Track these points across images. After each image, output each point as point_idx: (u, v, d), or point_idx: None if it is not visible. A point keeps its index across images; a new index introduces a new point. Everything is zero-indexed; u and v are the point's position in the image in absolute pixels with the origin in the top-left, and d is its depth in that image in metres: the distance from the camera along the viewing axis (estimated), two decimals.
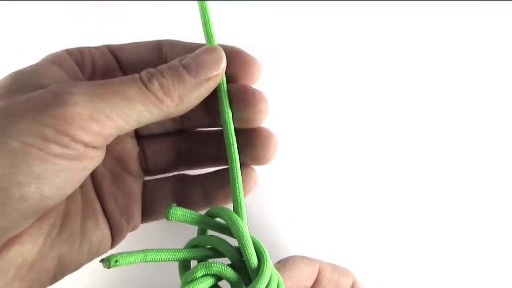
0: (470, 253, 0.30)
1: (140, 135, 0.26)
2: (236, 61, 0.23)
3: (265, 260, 0.22)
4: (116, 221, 0.24)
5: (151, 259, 0.21)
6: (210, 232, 0.23)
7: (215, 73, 0.22)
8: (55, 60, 0.23)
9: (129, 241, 0.25)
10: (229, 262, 0.22)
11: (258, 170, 0.25)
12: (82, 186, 0.23)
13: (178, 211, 0.22)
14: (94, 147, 0.20)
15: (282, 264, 0.24)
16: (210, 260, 0.22)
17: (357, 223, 0.31)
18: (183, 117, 0.24)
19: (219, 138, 0.25)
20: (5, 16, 0.35)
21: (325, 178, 0.31)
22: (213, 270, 0.21)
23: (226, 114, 0.23)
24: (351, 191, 0.31)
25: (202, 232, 0.23)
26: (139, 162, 0.26)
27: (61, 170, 0.19)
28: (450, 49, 0.33)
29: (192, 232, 0.24)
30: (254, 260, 0.22)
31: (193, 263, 0.23)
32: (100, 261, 0.20)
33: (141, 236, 0.27)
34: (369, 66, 0.33)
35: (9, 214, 0.18)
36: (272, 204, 0.31)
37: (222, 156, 0.25)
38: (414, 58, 0.33)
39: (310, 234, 0.30)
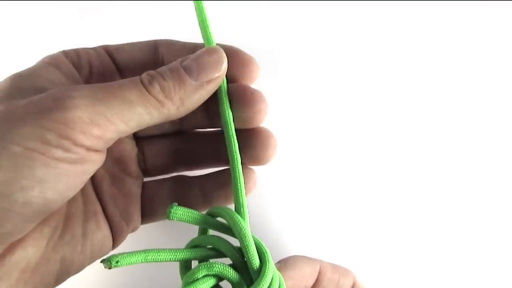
0: (470, 253, 0.30)
1: (139, 136, 0.26)
2: (234, 61, 0.23)
3: (267, 261, 0.22)
4: (116, 222, 0.24)
5: (152, 260, 0.21)
6: (211, 232, 0.23)
7: (216, 75, 0.22)
8: (52, 62, 0.23)
9: (130, 241, 0.25)
10: (230, 262, 0.22)
11: (258, 170, 0.25)
12: (82, 188, 0.23)
13: (179, 211, 0.22)
14: (95, 151, 0.20)
15: (283, 264, 0.24)
16: (211, 260, 0.22)
17: (357, 223, 0.31)
18: (182, 119, 0.24)
19: (218, 138, 0.25)
20: (2, 16, 0.35)
21: (325, 178, 0.31)
22: (215, 271, 0.21)
23: (227, 114, 0.23)
24: (351, 191, 0.31)
25: (203, 232, 0.23)
26: (138, 163, 0.26)
27: (63, 174, 0.19)
28: (449, 50, 0.33)
29: (193, 232, 0.24)
30: (256, 261, 0.22)
31: (194, 263, 0.23)
32: (101, 262, 0.20)
33: (141, 236, 0.27)
34: (368, 66, 0.33)
35: (13, 219, 0.18)
36: (272, 204, 0.31)
37: (221, 156, 0.25)
38: (413, 59, 0.33)
39: (310, 234, 0.30)
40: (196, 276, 0.21)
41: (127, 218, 0.25)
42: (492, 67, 0.33)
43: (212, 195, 0.25)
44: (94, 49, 0.25)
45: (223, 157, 0.25)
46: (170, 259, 0.22)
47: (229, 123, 0.23)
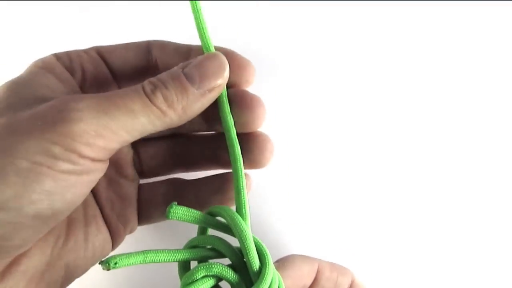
0: (469, 253, 0.30)
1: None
2: (230, 64, 0.23)
3: (267, 263, 0.21)
4: (114, 225, 0.24)
5: (150, 261, 0.21)
6: (210, 232, 0.23)
7: (219, 82, 0.22)
8: (46, 67, 0.22)
9: (128, 242, 0.25)
10: (229, 262, 0.22)
11: (259, 169, 0.25)
12: None
13: (179, 210, 0.22)
14: (99, 161, 0.20)
15: (281, 263, 0.24)
16: (210, 261, 0.22)
17: (356, 222, 0.31)
18: None
19: (214, 140, 0.25)
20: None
21: (324, 178, 0.31)
22: (214, 271, 0.21)
23: (228, 119, 0.23)
24: (350, 191, 0.31)
25: (202, 231, 0.23)
26: (133, 166, 0.26)
27: (71, 186, 0.19)
28: (449, 50, 0.33)
29: (191, 233, 0.23)
30: (256, 263, 0.21)
31: (193, 263, 0.22)
32: (100, 263, 0.20)
33: (140, 237, 0.26)
34: (367, 68, 0.33)
35: (22, 232, 0.18)
36: (272, 204, 0.31)
37: (217, 158, 0.25)
38: (413, 60, 0.33)
39: (309, 234, 0.30)
40: (195, 276, 0.21)
41: (124, 220, 0.25)
42: (492, 67, 0.33)
43: (208, 199, 0.25)
44: (85, 51, 0.24)
45: (219, 159, 0.25)
46: (168, 260, 0.21)
47: (231, 127, 0.23)
